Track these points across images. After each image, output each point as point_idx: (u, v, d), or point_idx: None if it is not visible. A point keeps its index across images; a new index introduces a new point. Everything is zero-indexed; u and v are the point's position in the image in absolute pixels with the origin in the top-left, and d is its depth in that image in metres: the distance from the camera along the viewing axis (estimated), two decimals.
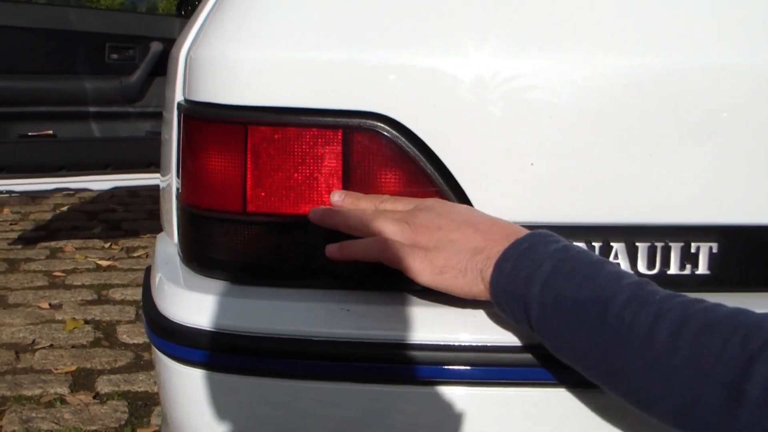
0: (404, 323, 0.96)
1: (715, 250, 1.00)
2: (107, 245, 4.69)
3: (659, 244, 0.99)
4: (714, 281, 1.01)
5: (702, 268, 1.00)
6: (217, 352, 0.96)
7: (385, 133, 0.97)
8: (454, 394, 0.95)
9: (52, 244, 4.70)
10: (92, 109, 3.75)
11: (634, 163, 0.97)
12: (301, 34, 0.98)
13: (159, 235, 1.33)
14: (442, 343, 0.95)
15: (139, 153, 3.73)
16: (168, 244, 1.25)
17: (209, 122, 1.01)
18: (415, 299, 1.00)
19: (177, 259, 1.17)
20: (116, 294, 3.83)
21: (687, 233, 0.99)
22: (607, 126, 0.96)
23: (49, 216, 5.46)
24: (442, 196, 0.98)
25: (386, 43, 0.96)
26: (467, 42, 0.96)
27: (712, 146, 0.97)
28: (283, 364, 0.95)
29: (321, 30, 0.98)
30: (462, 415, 0.95)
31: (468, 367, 0.94)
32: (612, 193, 0.98)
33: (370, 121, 0.97)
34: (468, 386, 0.95)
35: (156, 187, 4.52)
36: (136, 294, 3.82)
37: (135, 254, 4.51)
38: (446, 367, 0.94)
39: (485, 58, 0.96)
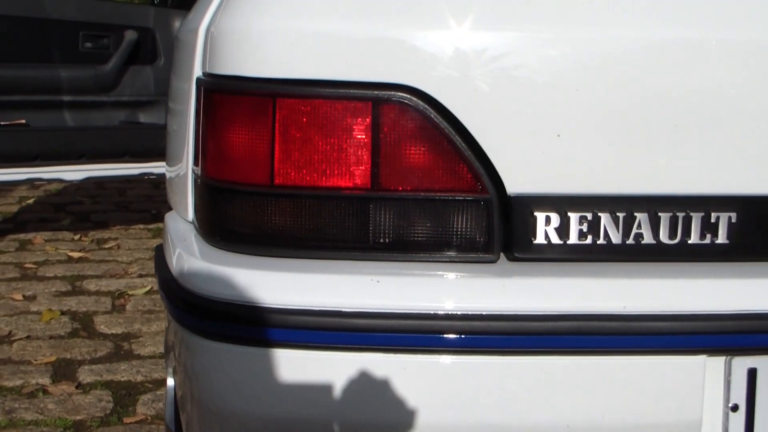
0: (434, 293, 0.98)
1: (734, 220, 1.02)
2: (77, 237, 4.63)
3: (680, 214, 1.01)
4: (732, 250, 1.03)
5: (721, 238, 1.03)
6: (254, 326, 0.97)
7: (414, 105, 0.97)
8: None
9: (21, 236, 4.64)
10: (66, 98, 3.70)
11: (657, 136, 0.99)
12: (329, 6, 0.98)
13: (168, 214, 1.34)
14: (470, 313, 0.97)
15: (114, 143, 3.70)
16: (179, 221, 1.25)
17: (235, 95, 1.02)
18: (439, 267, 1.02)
19: (193, 236, 1.17)
20: (90, 285, 3.79)
21: (708, 203, 1.01)
22: (631, 99, 0.98)
23: (15, 208, 5.37)
24: (470, 168, 0.99)
25: (415, 16, 0.97)
26: (496, 15, 0.97)
27: (732, 120, 1.00)
28: (322, 337, 0.96)
29: (350, 1, 0.98)
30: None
31: None
32: (637, 164, 1.00)
33: (399, 93, 0.97)
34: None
35: (128, 178, 4.49)
36: (111, 285, 3.79)
37: (106, 246, 4.46)
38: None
39: (514, 32, 0.97)
